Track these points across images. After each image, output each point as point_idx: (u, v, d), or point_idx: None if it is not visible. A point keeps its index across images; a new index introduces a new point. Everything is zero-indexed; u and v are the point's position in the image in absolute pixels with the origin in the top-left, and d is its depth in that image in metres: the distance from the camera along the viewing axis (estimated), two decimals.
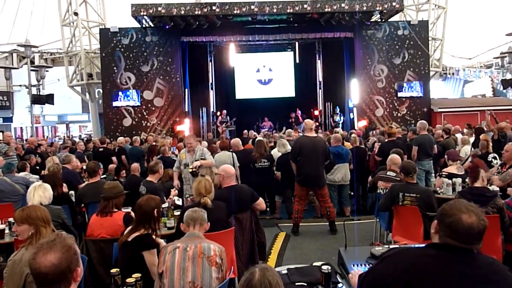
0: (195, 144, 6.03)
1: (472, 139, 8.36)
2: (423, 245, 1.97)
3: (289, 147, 7.07)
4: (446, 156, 6.07)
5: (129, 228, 3.17)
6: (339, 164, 7.18)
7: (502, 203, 3.93)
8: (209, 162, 5.75)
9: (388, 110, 15.99)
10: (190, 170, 5.56)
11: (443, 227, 1.79)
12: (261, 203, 4.42)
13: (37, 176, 6.46)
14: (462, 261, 1.73)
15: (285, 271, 2.73)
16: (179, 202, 4.79)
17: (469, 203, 1.84)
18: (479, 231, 1.72)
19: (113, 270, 2.65)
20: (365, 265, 2.70)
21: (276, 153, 7.40)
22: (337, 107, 16.88)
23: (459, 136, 9.01)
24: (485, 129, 8.45)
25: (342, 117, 16.72)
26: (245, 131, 11.88)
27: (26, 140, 14.77)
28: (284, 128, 14.48)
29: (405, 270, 1.76)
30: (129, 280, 2.54)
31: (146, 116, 15.57)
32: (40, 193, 3.93)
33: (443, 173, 5.68)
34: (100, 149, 9.58)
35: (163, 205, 4.56)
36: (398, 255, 1.88)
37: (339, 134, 8.16)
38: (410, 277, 1.74)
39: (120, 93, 15.41)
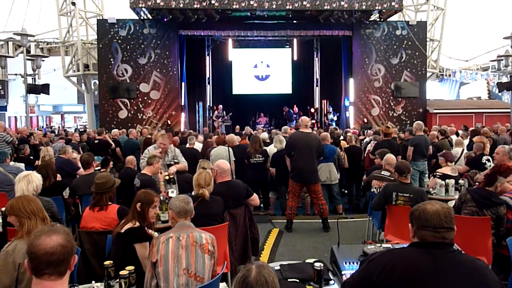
0: (169, 145, 5.66)
1: (466, 141, 8.41)
2: (405, 245, 2.09)
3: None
4: (443, 158, 6.01)
5: (124, 220, 3.18)
6: (322, 164, 6.93)
7: (504, 212, 3.81)
8: (183, 166, 5.51)
9: (384, 109, 16.05)
10: (167, 177, 5.12)
11: (415, 223, 1.97)
12: (255, 198, 4.43)
13: (23, 164, 6.43)
14: (443, 257, 1.85)
15: (278, 267, 2.75)
16: (173, 194, 4.75)
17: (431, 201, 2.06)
18: (445, 215, 1.91)
19: (107, 262, 2.66)
20: (357, 263, 2.72)
21: (271, 149, 7.41)
22: (330, 106, 16.93)
23: (454, 137, 9.05)
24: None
25: (335, 116, 16.77)
26: (247, 127, 11.86)
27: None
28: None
29: (392, 268, 1.86)
30: (122, 272, 2.55)
31: (142, 109, 15.52)
32: (22, 186, 3.74)
33: (437, 173, 5.71)
34: (96, 141, 9.55)
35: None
36: (384, 255, 1.97)
37: (325, 133, 8.09)
38: (399, 275, 1.83)
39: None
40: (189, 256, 2.62)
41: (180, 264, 2.59)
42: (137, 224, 3.09)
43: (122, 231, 3.07)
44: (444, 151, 6.18)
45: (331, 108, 16.90)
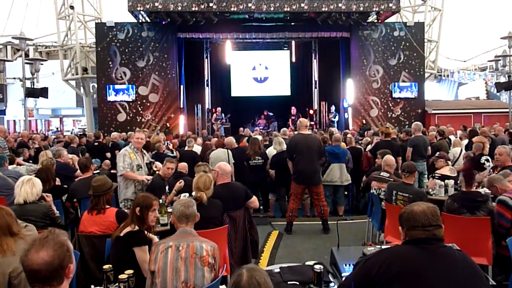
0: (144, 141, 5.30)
1: (465, 142, 8.41)
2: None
3: (285, 146, 7.07)
4: (442, 159, 6.00)
5: (124, 223, 3.17)
6: (334, 164, 7.05)
7: (493, 206, 3.94)
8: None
9: (382, 110, 16.07)
10: (157, 171, 4.99)
11: (405, 225, 2.07)
12: (254, 201, 4.42)
13: (36, 166, 6.34)
14: (437, 252, 1.95)
15: (278, 270, 2.74)
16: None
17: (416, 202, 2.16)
18: (432, 213, 2.02)
19: (106, 266, 2.63)
20: None
21: (271, 151, 7.40)
22: (333, 106, 16.92)
23: (452, 137, 9.06)
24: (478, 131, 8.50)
25: (337, 117, 16.78)
26: (247, 129, 11.89)
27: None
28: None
29: (389, 265, 1.92)
30: (121, 276, 2.53)
31: (141, 112, 15.52)
32: (27, 189, 3.76)
33: (436, 174, 5.71)
34: (95, 144, 9.54)
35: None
36: (380, 254, 2.05)
37: (338, 134, 8.10)
38: (396, 271, 1.89)
39: (115, 87, 15.37)
40: (188, 268, 2.53)
41: (179, 277, 2.51)
42: (136, 227, 3.08)
43: (121, 234, 3.05)
44: (438, 153, 6.18)
45: (333, 108, 16.84)
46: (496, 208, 3.84)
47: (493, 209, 3.92)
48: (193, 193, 3.94)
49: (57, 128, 27.11)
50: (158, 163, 5.19)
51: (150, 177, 5.10)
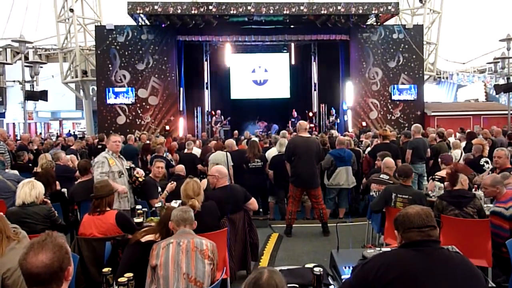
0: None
1: (463, 144, 8.42)
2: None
3: None
4: (439, 160, 6.09)
5: (148, 228, 3.16)
6: (341, 168, 6.97)
7: (481, 204, 4.06)
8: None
9: (382, 113, 16.08)
10: (140, 179, 4.73)
11: (400, 228, 2.08)
12: (253, 202, 4.42)
13: (17, 172, 6.37)
14: (433, 254, 1.97)
15: None
16: (175, 205, 4.71)
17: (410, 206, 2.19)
18: (426, 214, 2.05)
19: (105, 270, 2.64)
20: None
21: (271, 153, 7.40)
22: (333, 108, 16.93)
23: (451, 140, 9.07)
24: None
25: (338, 119, 16.79)
26: (247, 132, 11.91)
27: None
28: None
29: (387, 268, 1.94)
30: (121, 279, 2.53)
31: (141, 115, 15.51)
32: (26, 190, 3.77)
33: (436, 176, 5.72)
34: (99, 147, 9.50)
35: (156, 205, 4.55)
36: (378, 257, 2.07)
37: (342, 137, 8.08)
38: (393, 274, 1.91)
39: (114, 90, 15.38)
40: (189, 261, 2.63)
41: (180, 269, 2.60)
42: (160, 239, 3.03)
43: (143, 240, 3.04)
44: (442, 158, 6.19)
45: (333, 111, 16.82)
46: (491, 219, 3.88)
47: (481, 207, 4.04)
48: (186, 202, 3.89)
49: (69, 130, 27.21)
50: (139, 169, 4.94)
51: (126, 188, 4.77)
